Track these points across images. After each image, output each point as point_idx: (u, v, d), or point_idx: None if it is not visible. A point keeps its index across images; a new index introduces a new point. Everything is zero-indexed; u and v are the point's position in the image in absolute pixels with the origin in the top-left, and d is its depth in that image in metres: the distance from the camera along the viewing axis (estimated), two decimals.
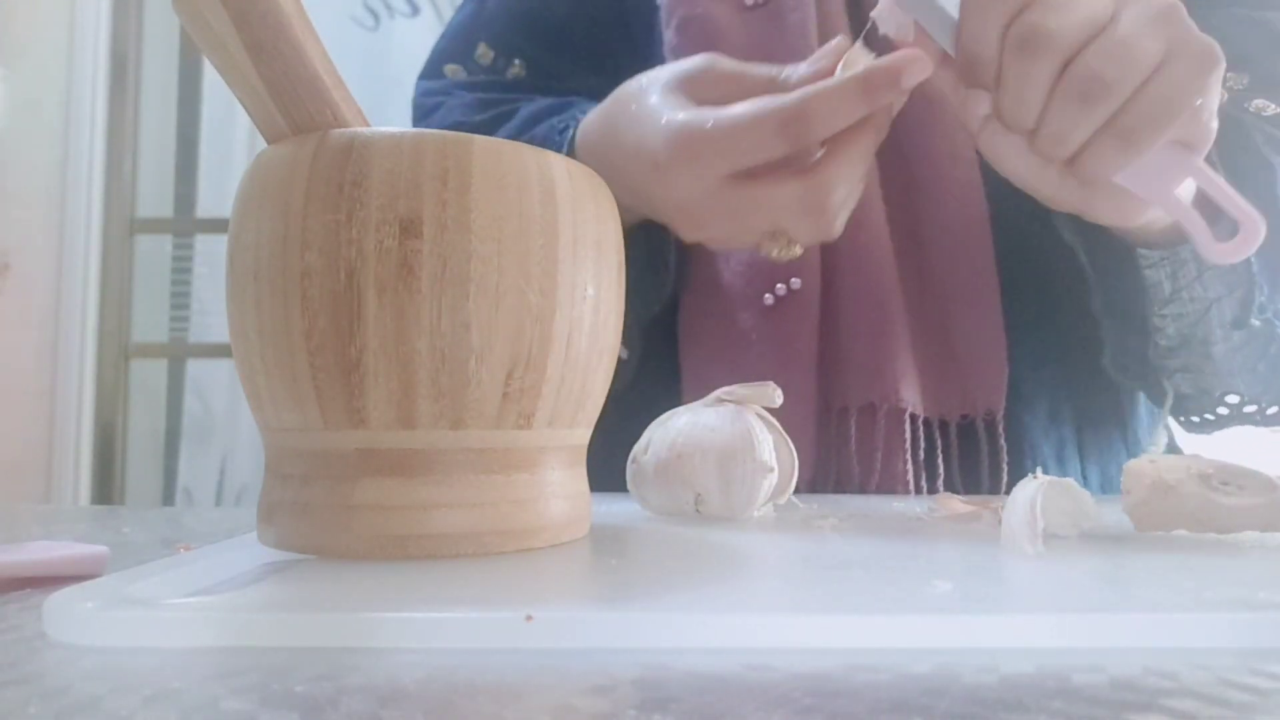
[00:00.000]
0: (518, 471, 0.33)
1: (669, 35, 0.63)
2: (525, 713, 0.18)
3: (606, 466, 0.45)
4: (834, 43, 0.46)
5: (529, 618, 0.22)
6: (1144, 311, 0.55)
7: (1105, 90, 0.38)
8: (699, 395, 0.45)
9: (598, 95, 0.55)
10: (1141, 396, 0.67)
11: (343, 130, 0.32)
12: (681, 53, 0.59)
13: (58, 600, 0.24)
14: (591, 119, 0.54)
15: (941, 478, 0.59)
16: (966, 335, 0.59)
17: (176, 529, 0.45)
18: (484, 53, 0.68)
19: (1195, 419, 0.62)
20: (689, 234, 0.49)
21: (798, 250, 0.48)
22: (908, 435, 0.58)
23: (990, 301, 0.60)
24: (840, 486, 0.59)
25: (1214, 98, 0.40)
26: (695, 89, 0.47)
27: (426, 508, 0.31)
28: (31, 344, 1.99)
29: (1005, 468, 0.58)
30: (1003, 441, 0.58)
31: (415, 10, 2.21)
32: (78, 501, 1.95)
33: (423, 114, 0.69)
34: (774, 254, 0.48)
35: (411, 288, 0.30)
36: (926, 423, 0.59)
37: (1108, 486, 0.64)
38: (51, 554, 0.32)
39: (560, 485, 0.35)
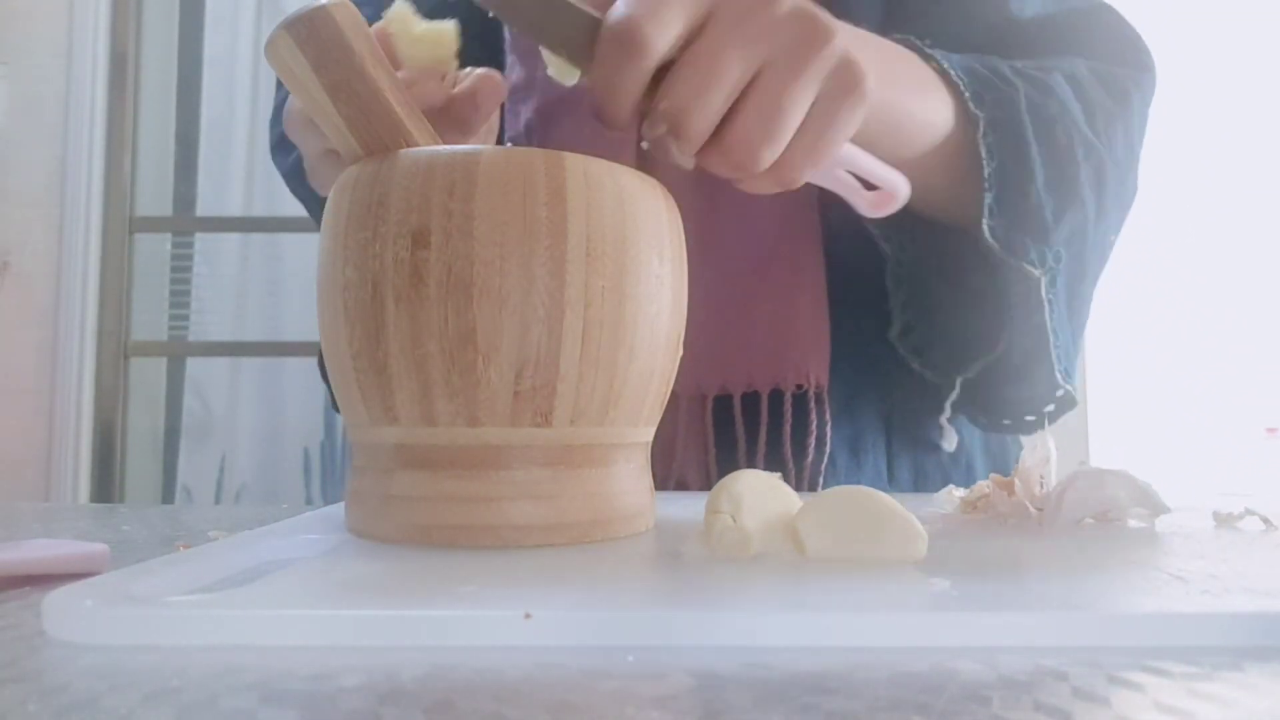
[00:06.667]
0: (538, 468, 0.34)
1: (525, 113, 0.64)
2: (524, 710, 0.18)
3: None
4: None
5: (527, 615, 0.22)
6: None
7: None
8: None
9: None
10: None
11: (385, 154, 0.35)
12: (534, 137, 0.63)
13: (57, 598, 0.24)
14: None
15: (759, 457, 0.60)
16: (790, 311, 0.61)
17: (176, 527, 0.45)
18: None
19: (984, 421, 0.64)
20: None
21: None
22: (710, 420, 0.60)
23: (816, 278, 0.61)
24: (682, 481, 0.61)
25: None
26: None
27: (448, 500, 0.33)
28: (31, 342, 1.99)
29: (814, 444, 0.59)
30: (827, 416, 0.59)
31: None
32: (77, 499, 1.95)
33: None
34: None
35: (422, 295, 0.32)
36: (736, 400, 0.60)
37: (921, 483, 0.63)
38: (51, 552, 0.32)
39: (586, 483, 0.35)
